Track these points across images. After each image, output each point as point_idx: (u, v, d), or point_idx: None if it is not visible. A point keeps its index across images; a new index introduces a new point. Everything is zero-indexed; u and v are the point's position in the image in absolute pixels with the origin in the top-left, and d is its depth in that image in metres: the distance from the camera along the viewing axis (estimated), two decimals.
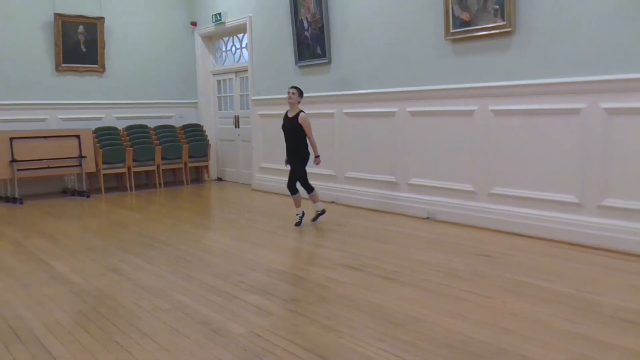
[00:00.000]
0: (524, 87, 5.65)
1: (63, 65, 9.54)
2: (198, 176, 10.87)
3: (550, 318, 3.49)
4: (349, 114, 7.73)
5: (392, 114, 7.05)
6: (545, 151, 5.51)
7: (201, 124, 10.85)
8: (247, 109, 10.01)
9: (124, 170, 9.64)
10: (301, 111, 6.24)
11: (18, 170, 8.55)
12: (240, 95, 10.36)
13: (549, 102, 5.46)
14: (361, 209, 7.40)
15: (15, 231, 6.67)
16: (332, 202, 7.89)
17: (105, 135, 9.66)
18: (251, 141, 9.74)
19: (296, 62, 8.45)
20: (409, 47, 6.77)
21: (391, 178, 7.13)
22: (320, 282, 4.37)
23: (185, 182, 10.26)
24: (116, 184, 9.94)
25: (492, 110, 5.94)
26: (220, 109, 11.02)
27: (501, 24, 5.72)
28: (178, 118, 10.82)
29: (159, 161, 9.90)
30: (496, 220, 5.92)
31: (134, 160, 9.65)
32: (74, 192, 9.33)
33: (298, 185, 6.42)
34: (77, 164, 9.11)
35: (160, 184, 9.91)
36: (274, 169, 9.13)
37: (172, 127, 10.51)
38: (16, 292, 4.30)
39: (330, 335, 3.33)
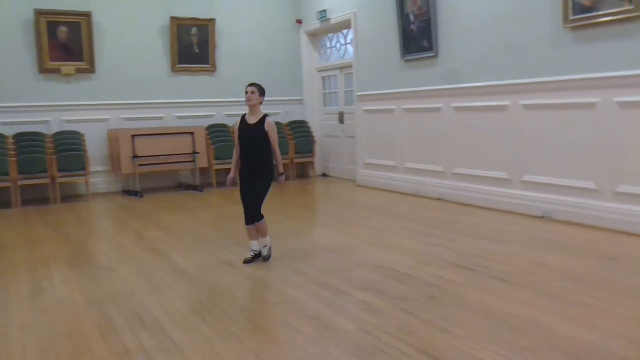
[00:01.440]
0: None
1: (178, 65, 10.06)
2: (304, 172, 11.06)
3: None
4: (457, 108, 7.50)
5: (503, 107, 6.75)
6: None
7: (306, 120, 11.02)
8: (352, 104, 10.03)
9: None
10: (265, 115, 4.94)
11: (139, 165, 9.14)
12: (345, 91, 10.39)
13: None
14: (470, 206, 7.16)
15: (136, 222, 7.12)
16: (439, 199, 7.71)
17: (216, 132, 10.08)
18: (355, 137, 9.74)
19: (402, 56, 8.32)
20: (522, 37, 6.43)
21: (502, 174, 6.83)
22: (430, 280, 4.26)
23: (291, 178, 10.46)
24: (226, 179, 10.32)
25: (617, 102, 5.49)
26: (325, 105, 11.12)
27: (628, 8, 5.27)
28: (284, 114, 11.05)
29: (292, 155, 10.17)
30: (622, 220, 5.48)
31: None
32: (188, 187, 9.82)
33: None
34: (191, 159, 9.57)
35: None
36: (378, 164, 9.08)
37: (278, 123, 10.71)
38: (139, 280, 4.57)
39: (442, 336, 3.23)
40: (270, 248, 5.05)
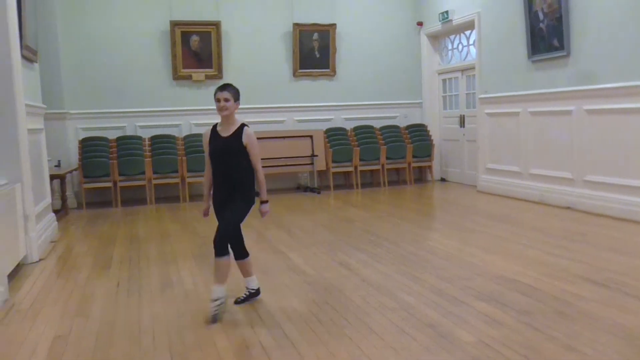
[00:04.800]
0: None
1: (299, 70, 10.32)
2: (421, 176, 10.87)
3: None
4: (590, 111, 6.97)
5: None
6: None
7: (425, 123, 10.83)
8: (474, 107, 9.70)
9: (351, 168, 10.07)
10: (243, 125, 3.90)
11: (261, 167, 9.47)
12: (466, 94, 10.07)
13: None
14: (602, 216, 6.62)
15: (257, 222, 7.37)
16: (568, 208, 7.21)
17: (334, 136, 10.21)
18: (477, 141, 9.40)
19: (529, 57, 7.90)
20: None
21: None
22: (558, 295, 3.98)
23: (408, 182, 10.32)
24: (344, 182, 10.44)
25: None
26: (445, 109, 10.86)
27: None
28: (402, 118, 10.94)
29: (383, 160, 10.13)
30: None
31: (360, 160, 10.02)
32: (306, 189, 10.03)
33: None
34: (310, 162, 9.77)
35: (384, 183, 10.13)
36: (501, 170, 8.70)
37: (396, 127, 10.67)
38: (260, 278, 4.69)
39: (570, 356, 3.00)
40: (253, 291, 4.08)
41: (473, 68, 9.55)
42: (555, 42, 7.38)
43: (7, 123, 5.36)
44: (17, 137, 5.45)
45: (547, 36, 7.53)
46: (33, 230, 5.63)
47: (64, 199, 8.43)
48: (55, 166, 8.57)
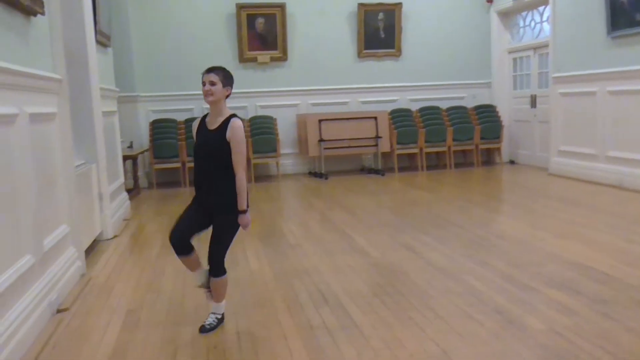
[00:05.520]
0: None
1: (364, 51, 10.20)
2: (489, 158, 10.56)
3: None
4: None
5: None
6: None
7: (494, 104, 10.48)
8: (546, 87, 9.28)
9: (416, 150, 9.91)
10: (232, 115, 3.28)
11: (324, 148, 9.49)
12: (539, 73, 9.65)
13: None
14: None
15: (321, 203, 7.42)
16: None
17: (399, 117, 10.05)
18: (549, 122, 9.01)
19: (608, 33, 7.46)
20: None
21: None
22: (635, 283, 3.77)
23: (475, 164, 10.05)
24: (408, 164, 10.29)
25: None
26: (515, 89, 10.46)
27: None
28: (470, 99, 10.62)
29: (450, 142, 9.90)
30: None
31: (425, 141, 9.84)
32: (370, 170, 9.96)
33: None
34: (374, 144, 9.67)
35: (450, 165, 9.91)
36: (575, 152, 8.31)
37: (464, 108, 10.39)
38: (323, 259, 4.74)
39: None
40: (220, 318, 3.40)
41: (546, 46, 9.13)
42: (639, 17, 6.92)
43: (84, 106, 5.59)
44: (92, 120, 5.68)
45: (629, 10, 7.06)
46: (107, 208, 5.88)
47: (135, 179, 8.75)
48: (128, 147, 8.89)
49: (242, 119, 3.37)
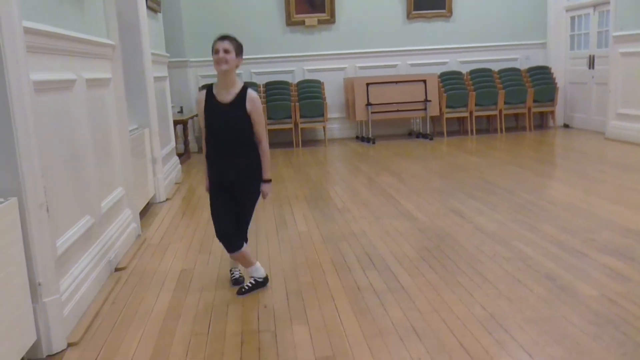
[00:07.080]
0: None
1: (413, 12, 9.96)
2: (542, 122, 10.25)
3: None
4: None
5: None
6: None
7: (549, 65, 10.10)
8: (606, 47, 8.87)
9: (466, 114, 9.71)
10: (246, 87, 3.28)
11: (372, 113, 9.42)
12: (598, 32, 9.22)
13: None
14: None
15: (368, 168, 7.40)
16: None
17: (449, 80, 9.83)
18: (608, 84, 8.64)
19: None
20: None
21: None
22: None
23: (528, 128, 9.78)
24: (458, 128, 10.11)
25: None
26: (572, 49, 10.03)
27: None
28: (523, 60, 10.28)
29: (501, 106, 9.64)
30: None
31: (476, 105, 9.62)
32: (419, 135, 9.84)
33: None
34: (423, 107, 9.52)
35: (501, 129, 9.67)
36: (635, 115, 7.97)
37: (516, 70, 10.06)
38: (371, 223, 4.76)
39: None
40: (261, 281, 3.43)
41: (607, 3, 8.67)
42: None
43: (136, 71, 5.71)
44: (145, 85, 5.81)
45: None
46: (160, 172, 6.05)
47: (186, 143, 8.93)
48: (178, 112, 9.05)
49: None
